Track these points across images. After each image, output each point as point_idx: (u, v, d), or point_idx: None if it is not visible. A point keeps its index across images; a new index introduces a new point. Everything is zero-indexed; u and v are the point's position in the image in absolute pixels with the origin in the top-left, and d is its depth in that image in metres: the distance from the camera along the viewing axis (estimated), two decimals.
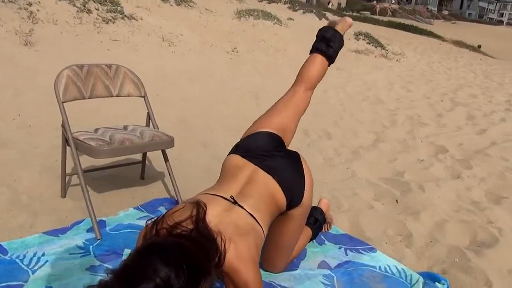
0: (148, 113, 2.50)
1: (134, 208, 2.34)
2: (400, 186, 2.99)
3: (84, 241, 1.98)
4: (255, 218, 1.45)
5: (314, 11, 18.31)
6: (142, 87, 2.49)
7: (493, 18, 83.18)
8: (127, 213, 2.28)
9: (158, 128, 2.47)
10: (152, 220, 1.40)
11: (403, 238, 2.37)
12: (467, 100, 6.92)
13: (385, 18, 30.83)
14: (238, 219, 1.41)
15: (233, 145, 1.80)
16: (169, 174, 2.39)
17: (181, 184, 2.42)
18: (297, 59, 9.09)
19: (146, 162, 2.73)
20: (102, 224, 2.12)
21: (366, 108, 5.51)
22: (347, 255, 2.11)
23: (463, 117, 5.61)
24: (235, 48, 8.40)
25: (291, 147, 1.91)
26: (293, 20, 13.56)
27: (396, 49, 12.53)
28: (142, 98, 2.50)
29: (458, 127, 5.02)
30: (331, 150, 3.71)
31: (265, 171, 1.62)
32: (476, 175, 3.41)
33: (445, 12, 61.71)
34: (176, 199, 2.38)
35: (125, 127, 2.35)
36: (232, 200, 1.47)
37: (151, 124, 2.52)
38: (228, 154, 1.77)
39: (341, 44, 2.02)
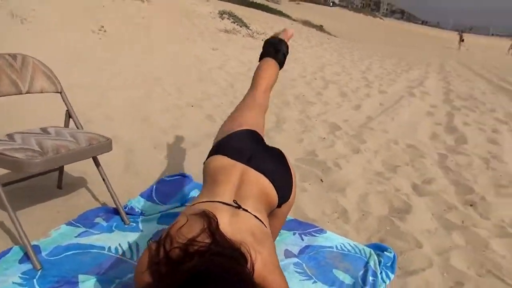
0: (67, 111, 2.14)
1: (66, 224, 2.02)
2: (318, 166, 3.19)
3: (21, 276, 1.64)
4: (260, 220, 1.40)
5: None
6: (57, 81, 2.12)
7: None
8: (60, 232, 1.95)
9: (82, 127, 2.14)
10: (154, 241, 1.24)
11: (339, 215, 2.55)
12: (334, 77, 7.65)
13: None
14: (250, 225, 1.34)
15: (212, 146, 1.69)
16: (103, 180, 2.10)
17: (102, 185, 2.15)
18: (169, 35, 8.78)
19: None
20: (35, 249, 1.77)
21: None
22: (303, 240, 2.18)
23: (337, 94, 6.19)
24: (102, 26, 7.65)
25: None
26: None
27: (259, 28, 13.01)
28: (59, 94, 2.13)
29: (338, 104, 5.53)
30: None
31: (255, 169, 1.56)
32: (370, 148, 3.83)
33: None
34: (115, 206, 2.12)
35: (45, 130, 1.97)
36: (236, 205, 1.39)
37: (70, 124, 2.17)
38: (210, 156, 1.65)
39: (287, 50, 2.16)
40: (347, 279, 1.89)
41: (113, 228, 2.05)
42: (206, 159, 1.69)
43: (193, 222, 1.26)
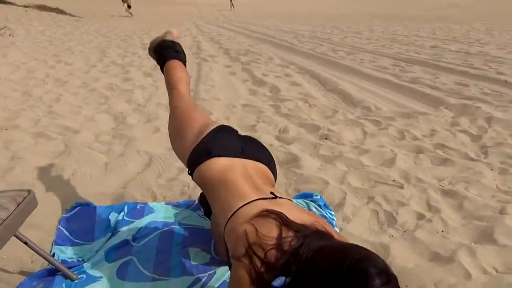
0: None
1: None
2: None
3: None
4: (291, 201, 1.45)
5: None
6: None
7: None
8: None
9: None
10: (237, 257, 1.16)
11: None
12: (125, 60, 7.33)
13: None
14: (295, 208, 1.37)
15: (194, 153, 1.57)
16: (26, 243, 1.66)
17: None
18: None
19: None
20: None
21: (58, 90, 4.96)
22: None
23: (143, 75, 6.03)
24: None
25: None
26: None
27: None
28: None
29: (154, 86, 5.41)
30: (96, 143, 3.35)
31: (251, 159, 1.57)
32: (219, 117, 4.03)
33: None
34: (51, 266, 1.73)
35: None
36: (273, 196, 1.39)
37: None
38: (200, 162, 1.54)
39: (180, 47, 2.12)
40: None
41: None
42: (194, 167, 1.58)
43: (263, 224, 1.22)
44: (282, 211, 1.28)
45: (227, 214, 1.36)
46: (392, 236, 2.14)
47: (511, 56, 7.86)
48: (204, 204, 2.15)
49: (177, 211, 2.29)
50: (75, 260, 1.89)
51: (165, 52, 2.02)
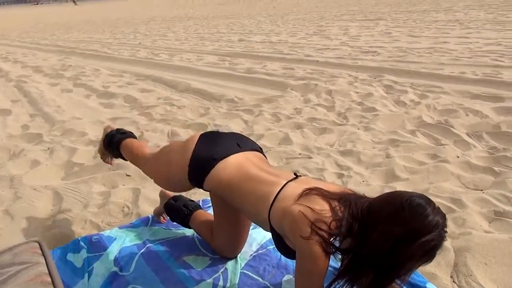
0: None
1: None
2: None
3: None
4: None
5: None
6: None
7: None
8: None
9: None
10: (307, 235, 1.31)
11: None
12: None
13: None
14: (318, 181, 1.56)
15: (196, 165, 1.60)
16: None
17: None
18: None
19: None
20: None
21: None
22: None
23: None
24: None
25: None
26: None
27: None
28: None
29: None
30: None
31: (249, 151, 1.69)
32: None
33: None
34: None
35: None
36: (295, 176, 1.54)
37: None
38: (212, 169, 1.58)
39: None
40: None
41: None
42: (203, 178, 1.60)
43: (313, 201, 1.38)
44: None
45: (267, 200, 1.46)
46: None
47: (304, 41, 9.38)
48: (175, 214, 2.10)
49: (138, 231, 2.16)
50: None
51: (113, 139, 2.12)
